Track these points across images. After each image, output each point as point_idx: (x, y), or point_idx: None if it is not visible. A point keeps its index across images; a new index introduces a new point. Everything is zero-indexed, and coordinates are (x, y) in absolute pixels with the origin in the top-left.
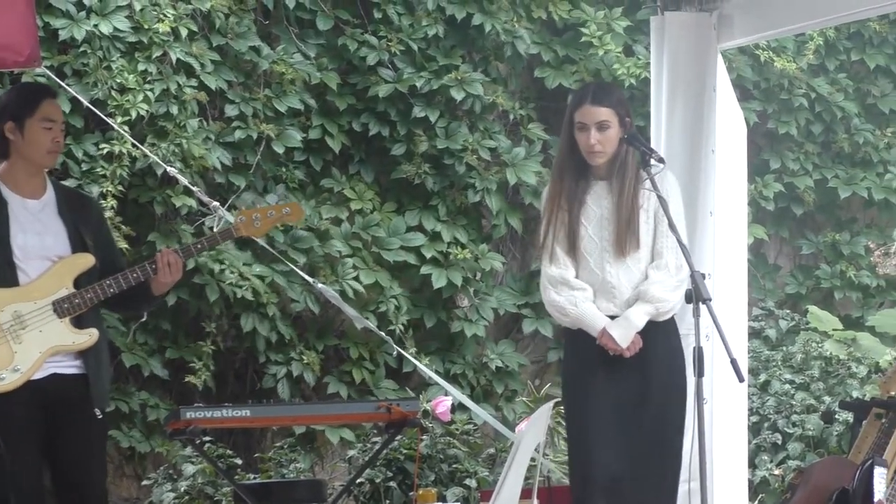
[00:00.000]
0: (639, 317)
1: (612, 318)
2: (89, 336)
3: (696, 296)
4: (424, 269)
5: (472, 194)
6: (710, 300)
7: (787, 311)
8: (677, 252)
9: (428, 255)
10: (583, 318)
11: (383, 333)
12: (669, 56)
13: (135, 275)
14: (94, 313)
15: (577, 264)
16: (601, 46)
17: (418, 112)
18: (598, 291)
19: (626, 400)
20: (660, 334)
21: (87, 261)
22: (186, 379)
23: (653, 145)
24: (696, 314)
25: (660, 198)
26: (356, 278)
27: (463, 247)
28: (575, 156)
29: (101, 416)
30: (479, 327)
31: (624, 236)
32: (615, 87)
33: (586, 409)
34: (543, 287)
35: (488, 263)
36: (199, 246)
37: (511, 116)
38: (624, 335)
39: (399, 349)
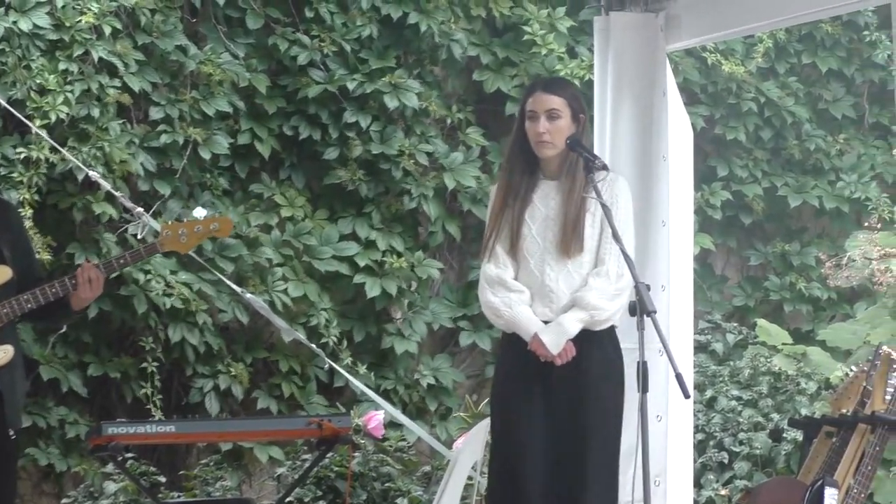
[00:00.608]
0: (572, 323)
1: (548, 323)
2: (3, 353)
3: (640, 308)
4: (358, 279)
5: (408, 201)
6: (655, 312)
7: (735, 325)
8: (620, 260)
9: (361, 264)
10: (516, 321)
11: (314, 346)
12: (615, 58)
13: (53, 290)
14: (9, 328)
15: (517, 265)
16: (543, 46)
17: (349, 117)
18: (536, 295)
19: (557, 410)
20: (594, 344)
21: (3, 274)
22: (123, 394)
23: (597, 151)
24: (640, 327)
25: (603, 206)
26: (285, 291)
27: (399, 255)
28: (525, 150)
29: (13, 437)
30: (412, 343)
31: (569, 238)
32: (571, 83)
33: (517, 416)
34: (481, 287)
35: (425, 271)
36: (122, 261)
37: (448, 120)
38: (555, 341)
39: (331, 362)
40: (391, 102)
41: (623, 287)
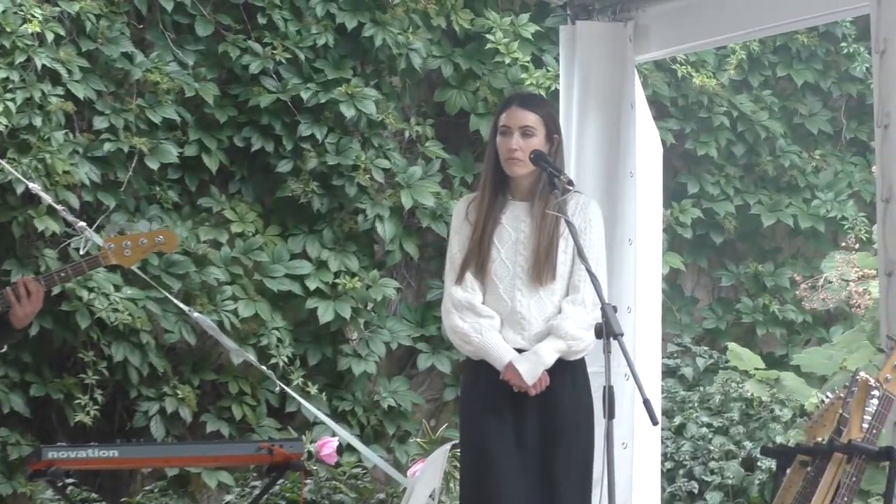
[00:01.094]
0: (549, 353)
1: (519, 351)
2: None
3: (606, 331)
4: (310, 303)
5: (362, 220)
6: (622, 335)
7: (705, 348)
8: (595, 289)
9: (313, 287)
10: (487, 348)
11: (264, 368)
12: (581, 69)
13: None
14: None
15: (485, 289)
16: (507, 55)
17: (304, 129)
18: (506, 321)
19: (529, 441)
20: (567, 373)
21: None
22: (66, 416)
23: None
24: (607, 350)
25: (568, 224)
26: (235, 311)
27: (353, 276)
28: (497, 168)
29: None
30: (370, 364)
31: (542, 265)
32: (548, 102)
33: (487, 448)
34: (447, 311)
35: (380, 292)
36: (62, 274)
37: (407, 133)
38: (531, 371)
39: (282, 385)
40: (348, 111)
41: (595, 317)
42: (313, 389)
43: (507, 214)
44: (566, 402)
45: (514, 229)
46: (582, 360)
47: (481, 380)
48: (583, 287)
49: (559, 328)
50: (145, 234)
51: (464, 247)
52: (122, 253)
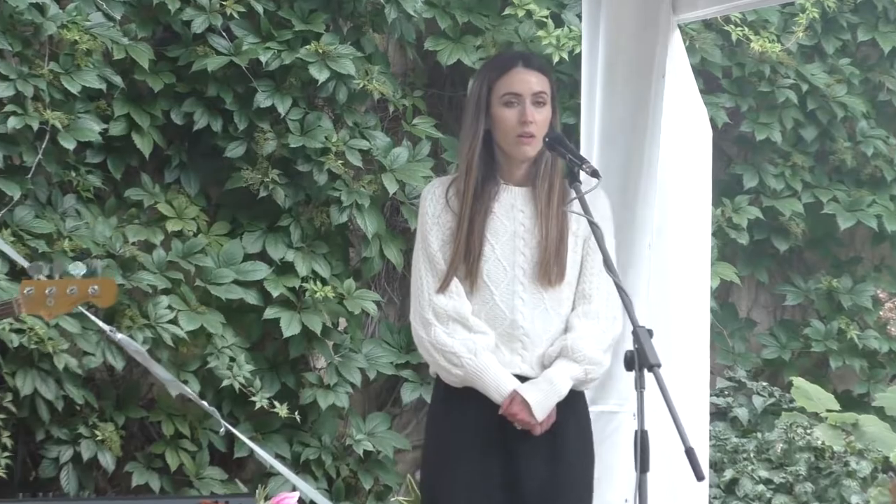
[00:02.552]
0: (564, 381)
1: (519, 379)
2: None
3: (639, 361)
4: (270, 313)
5: (336, 212)
6: (659, 366)
7: (764, 384)
8: (610, 298)
9: (275, 293)
10: (482, 373)
11: (206, 403)
12: (608, 30)
13: None
14: None
15: (474, 296)
16: (519, 7)
17: (263, 99)
18: (502, 337)
19: (524, 491)
20: (570, 407)
21: None
22: None
23: (583, 150)
24: (640, 385)
25: (592, 224)
26: (174, 321)
27: (324, 283)
28: (486, 146)
29: None
30: (340, 397)
31: (549, 262)
32: (549, 61)
33: (468, 495)
34: (426, 323)
35: (357, 306)
36: None
37: (391, 107)
38: (543, 403)
39: (227, 425)
40: (319, 73)
41: (617, 335)
42: (282, 410)
43: (500, 202)
44: (569, 442)
45: (510, 220)
46: (583, 394)
47: (466, 414)
48: (596, 297)
49: (574, 349)
50: (77, 281)
51: (446, 242)
52: (44, 303)
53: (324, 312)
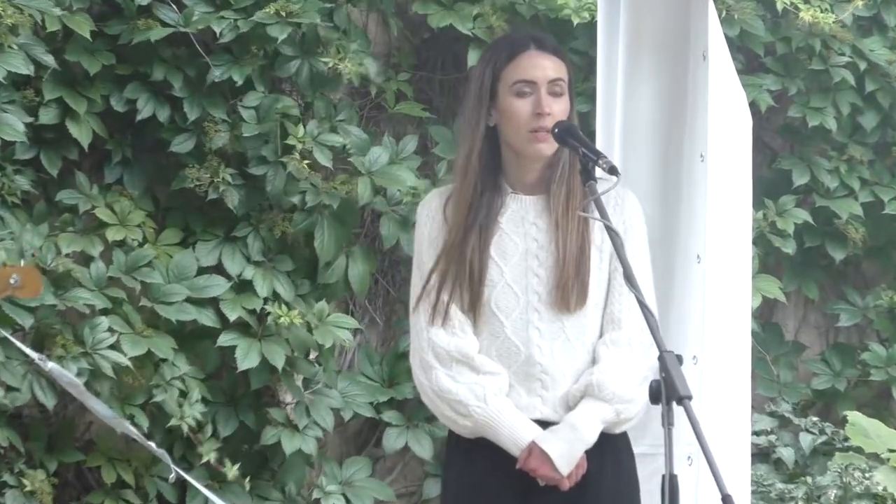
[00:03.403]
0: (591, 425)
1: (541, 424)
2: None
3: (667, 393)
4: (224, 339)
5: (301, 220)
6: (690, 399)
7: (814, 420)
8: (642, 320)
9: (232, 316)
10: (494, 423)
11: (153, 445)
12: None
13: None
14: None
15: (481, 329)
16: None
17: (219, 73)
18: (517, 377)
19: None
20: (607, 453)
21: None
22: None
23: (599, 143)
24: (668, 422)
25: (609, 229)
26: (115, 346)
27: (288, 306)
28: (491, 145)
29: None
30: (308, 441)
31: (569, 285)
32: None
33: None
34: (426, 366)
35: (330, 335)
36: None
37: (371, 91)
38: (567, 455)
39: (178, 471)
40: (278, 31)
41: (653, 365)
42: (231, 471)
43: (507, 215)
44: (604, 494)
45: (521, 236)
46: (625, 434)
47: (477, 469)
48: (627, 321)
49: (601, 385)
50: None
51: (445, 264)
52: None
53: (290, 342)
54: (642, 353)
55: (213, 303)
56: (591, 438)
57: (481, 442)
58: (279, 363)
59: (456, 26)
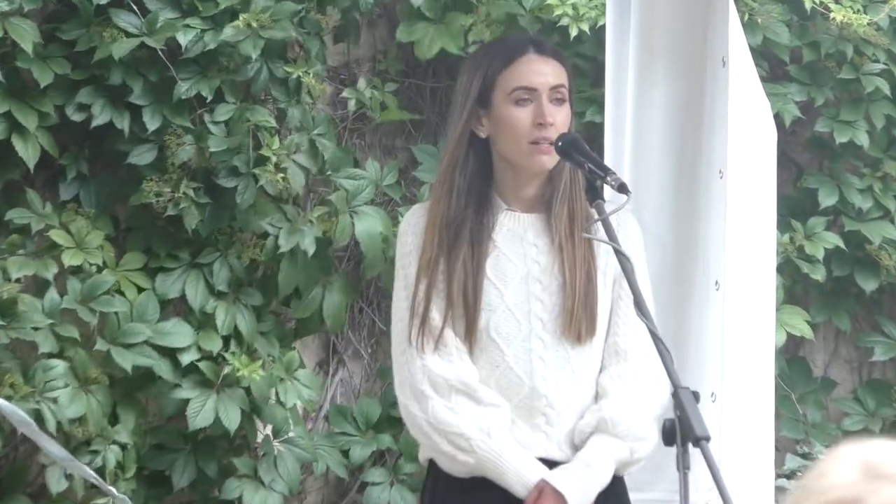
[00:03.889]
0: (606, 463)
1: (546, 464)
2: None
3: (682, 433)
4: (180, 393)
5: (273, 249)
6: (708, 440)
7: None
8: (651, 355)
9: (187, 360)
10: (498, 459)
11: (114, 490)
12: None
13: None
14: None
15: (475, 358)
16: None
17: (185, 89)
18: (519, 411)
19: None
20: (610, 497)
21: None
22: None
23: (608, 159)
24: (683, 466)
25: (619, 254)
26: (57, 400)
27: (249, 348)
28: (483, 160)
29: None
30: (273, 497)
31: (578, 312)
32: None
33: None
34: (417, 395)
35: (294, 393)
36: None
37: (352, 104)
38: (582, 496)
39: None
40: (253, 49)
41: (665, 403)
42: None
43: (503, 234)
44: None
45: (521, 258)
46: (622, 479)
47: None
48: (633, 353)
49: (615, 421)
50: None
51: (440, 289)
52: None
53: (249, 390)
54: (651, 388)
55: (174, 352)
56: (607, 479)
57: (477, 482)
58: (233, 423)
59: (447, 49)
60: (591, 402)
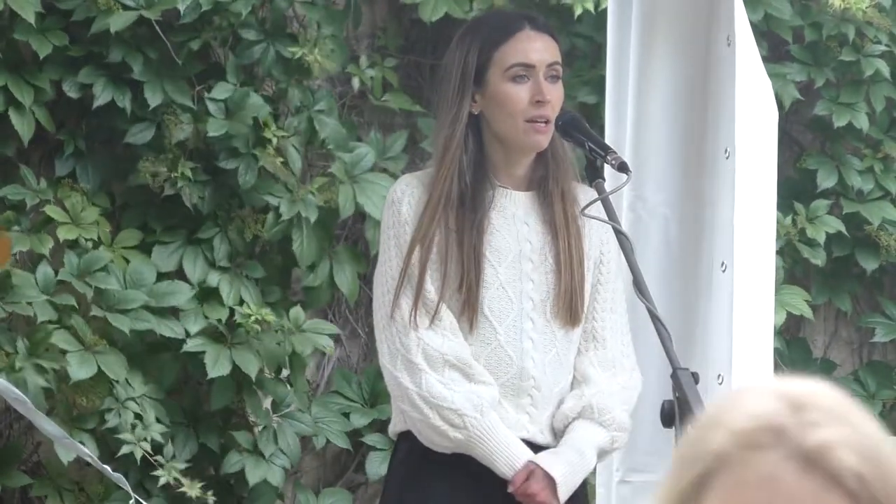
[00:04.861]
0: (592, 449)
1: (530, 446)
2: None
3: (681, 414)
4: (192, 345)
5: (274, 221)
6: None
7: None
8: (626, 343)
9: (194, 329)
10: (487, 438)
11: (108, 469)
12: None
13: None
14: None
15: (470, 336)
16: None
17: (184, 52)
18: (505, 390)
19: None
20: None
21: None
22: None
23: (609, 137)
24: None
25: (618, 233)
26: (64, 368)
27: (252, 317)
28: (477, 136)
29: None
30: (274, 471)
31: (573, 295)
32: None
33: None
34: (409, 367)
35: (307, 343)
36: None
37: (355, 81)
38: (569, 482)
39: (138, 498)
40: (245, 6)
41: (637, 390)
42: (194, 490)
43: (496, 211)
44: None
45: (513, 236)
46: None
47: (449, 493)
48: (611, 341)
49: (600, 409)
50: None
51: (434, 262)
52: None
53: (260, 353)
54: (628, 377)
55: (175, 312)
56: (592, 465)
57: (455, 459)
58: (252, 372)
59: (452, 15)
60: (569, 386)
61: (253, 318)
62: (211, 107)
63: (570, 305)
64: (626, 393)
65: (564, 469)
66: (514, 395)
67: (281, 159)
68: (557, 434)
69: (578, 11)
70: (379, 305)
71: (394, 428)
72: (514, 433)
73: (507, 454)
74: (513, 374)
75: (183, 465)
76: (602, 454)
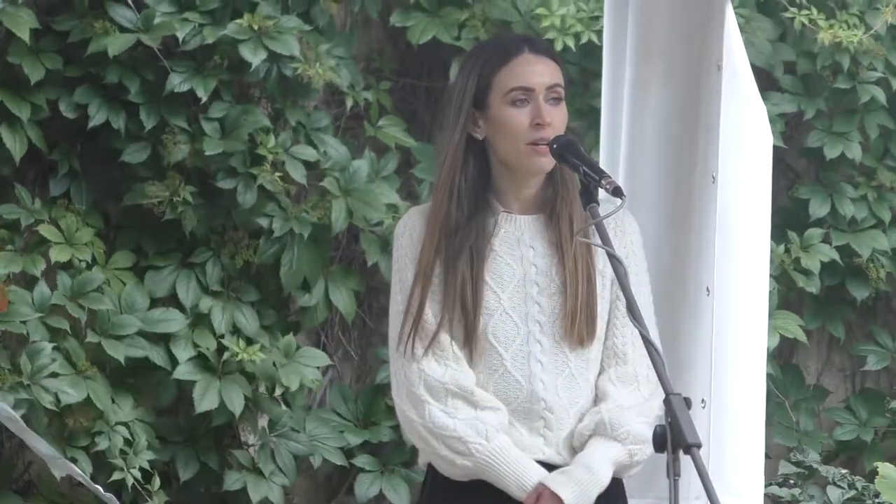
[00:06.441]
0: (605, 466)
1: (545, 467)
2: None
3: (672, 439)
4: (182, 372)
5: (268, 244)
6: (699, 447)
7: (840, 471)
8: (646, 355)
9: (184, 355)
10: (496, 462)
11: (100, 489)
12: (639, 7)
13: None
14: None
15: (473, 363)
16: None
17: (178, 83)
18: (517, 414)
19: None
20: (610, 497)
21: None
22: None
23: (603, 162)
24: (674, 473)
25: (612, 257)
26: (56, 395)
27: (249, 341)
28: (481, 161)
29: None
30: (273, 489)
31: (580, 315)
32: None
33: None
34: (414, 400)
35: (297, 372)
36: None
37: (349, 102)
38: (580, 499)
39: None
40: (254, 55)
41: (660, 404)
42: None
43: (500, 237)
44: None
45: (517, 260)
46: (620, 482)
47: None
48: (632, 355)
49: (613, 423)
50: None
51: (435, 291)
52: None
53: (254, 378)
54: (651, 390)
55: (167, 339)
56: (606, 481)
57: (475, 485)
58: (237, 407)
59: (439, 38)
60: (591, 405)
61: (241, 355)
62: (206, 126)
63: (577, 325)
64: (647, 406)
65: (574, 489)
66: (526, 418)
67: (279, 174)
68: (578, 453)
69: (560, 47)
70: (389, 340)
71: (422, 458)
72: (530, 455)
73: (517, 477)
74: (523, 399)
75: (167, 500)
76: (622, 468)
